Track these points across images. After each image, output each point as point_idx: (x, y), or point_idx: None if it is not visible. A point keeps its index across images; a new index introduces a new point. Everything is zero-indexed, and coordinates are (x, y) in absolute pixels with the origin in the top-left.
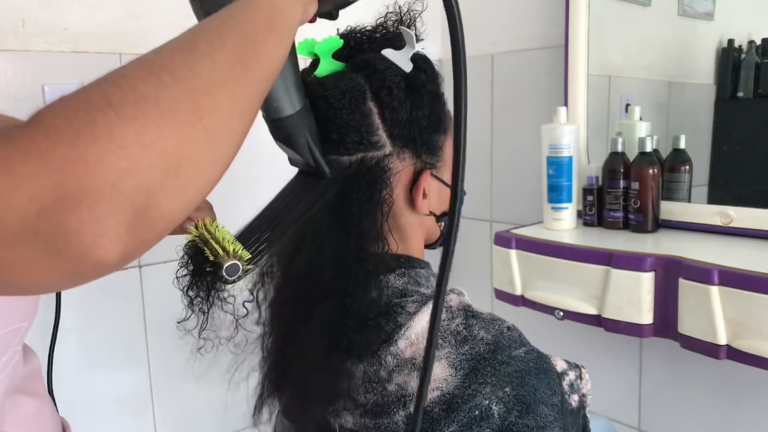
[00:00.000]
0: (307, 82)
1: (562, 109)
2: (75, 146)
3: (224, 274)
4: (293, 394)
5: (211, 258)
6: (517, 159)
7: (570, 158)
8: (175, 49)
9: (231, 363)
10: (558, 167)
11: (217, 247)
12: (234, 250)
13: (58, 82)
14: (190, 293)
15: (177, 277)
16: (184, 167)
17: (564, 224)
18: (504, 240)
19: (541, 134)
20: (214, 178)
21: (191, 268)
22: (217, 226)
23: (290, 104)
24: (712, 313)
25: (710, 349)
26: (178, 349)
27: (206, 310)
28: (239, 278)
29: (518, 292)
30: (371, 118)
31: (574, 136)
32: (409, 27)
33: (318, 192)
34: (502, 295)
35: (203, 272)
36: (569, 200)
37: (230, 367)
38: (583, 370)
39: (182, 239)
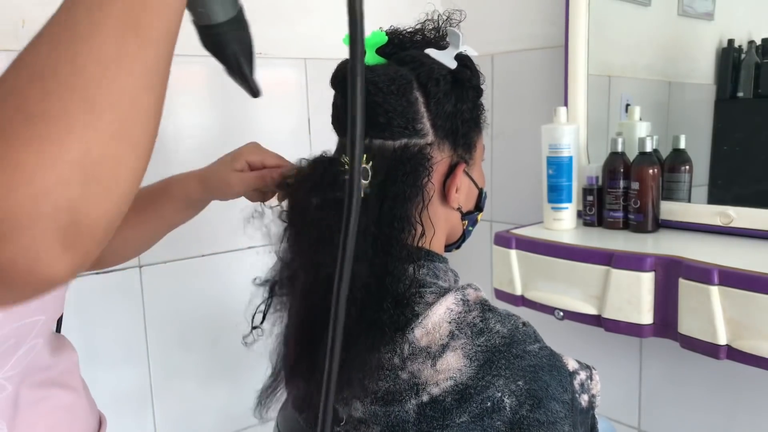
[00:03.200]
0: None
1: (562, 109)
2: None
3: None
4: (306, 383)
5: None
6: (517, 159)
7: (570, 158)
8: (53, 39)
9: (233, 362)
10: (558, 167)
11: None
12: None
13: None
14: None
15: None
16: (101, 170)
17: (564, 224)
18: (504, 240)
19: (541, 134)
20: (140, 163)
21: None
22: None
23: (221, 12)
24: (712, 313)
25: (710, 349)
26: (178, 348)
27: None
28: None
29: (518, 292)
30: (417, 106)
31: (574, 136)
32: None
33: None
34: (502, 295)
35: None
36: (569, 200)
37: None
38: (593, 371)
39: (181, 244)
